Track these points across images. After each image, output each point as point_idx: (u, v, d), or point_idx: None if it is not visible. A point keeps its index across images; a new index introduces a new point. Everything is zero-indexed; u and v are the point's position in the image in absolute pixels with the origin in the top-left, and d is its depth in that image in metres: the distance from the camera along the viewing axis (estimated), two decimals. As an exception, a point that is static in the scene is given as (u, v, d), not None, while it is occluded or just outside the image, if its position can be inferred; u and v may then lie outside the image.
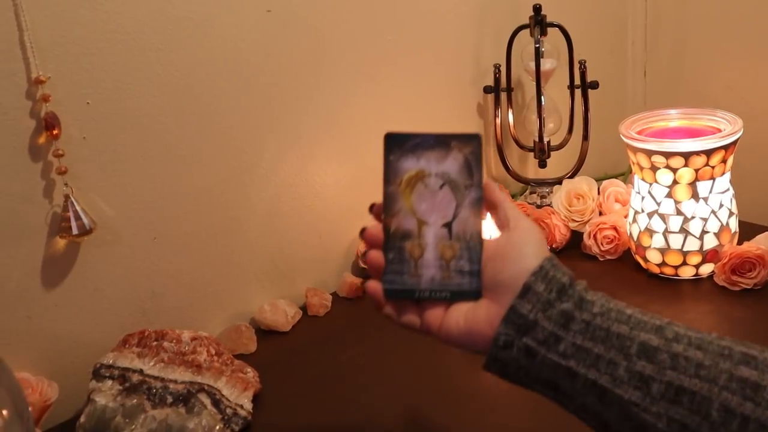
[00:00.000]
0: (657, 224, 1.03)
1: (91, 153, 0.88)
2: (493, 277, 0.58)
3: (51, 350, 0.89)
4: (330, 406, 0.87)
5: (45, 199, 0.86)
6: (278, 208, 1.06)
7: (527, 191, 1.30)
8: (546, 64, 1.19)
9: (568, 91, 1.23)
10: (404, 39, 1.14)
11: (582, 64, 1.21)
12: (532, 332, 0.55)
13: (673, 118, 1.08)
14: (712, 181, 1.00)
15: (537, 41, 1.17)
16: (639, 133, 1.04)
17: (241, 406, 0.84)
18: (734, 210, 1.05)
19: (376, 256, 0.61)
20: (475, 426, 0.80)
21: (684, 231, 1.02)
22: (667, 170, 1.00)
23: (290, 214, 1.08)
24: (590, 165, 1.27)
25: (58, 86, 0.83)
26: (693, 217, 1.01)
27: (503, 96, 1.25)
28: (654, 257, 1.05)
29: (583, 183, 1.19)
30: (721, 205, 1.02)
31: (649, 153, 1.00)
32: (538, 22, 1.17)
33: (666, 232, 1.03)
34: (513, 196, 1.30)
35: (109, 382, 0.82)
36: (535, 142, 1.24)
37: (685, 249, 1.03)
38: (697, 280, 1.05)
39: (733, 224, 1.05)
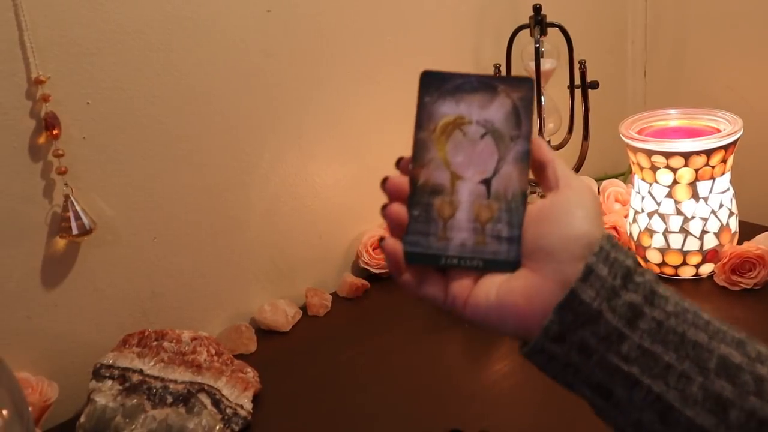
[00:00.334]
0: (657, 224, 1.03)
1: (91, 153, 0.88)
2: (535, 242, 0.49)
3: (51, 350, 0.89)
4: (330, 406, 0.87)
5: (45, 199, 0.86)
6: (278, 208, 1.06)
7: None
8: (546, 64, 1.19)
9: (568, 91, 1.23)
10: (404, 39, 1.14)
11: (582, 64, 1.21)
12: (592, 325, 0.45)
13: (673, 118, 1.08)
14: (712, 181, 1.00)
15: (537, 41, 1.17)
16: (639, 133, 1.04)
17: (241, 406, 0.84)
18: (734, 210, 1.05)
19: (399, 210, 0.51)
20: (476, 426, 0.80)
21: (684, 231, 1.02)
22: (667, 170, 1.00)
23: (290, 214, 1.08)
24: (590, 165, 1.27)
25: (58, 86, 0.83)
26: (693, 217, 1.01)
27: (503, 96, 1.25)
28: (654, 257, 1.05)
29: (583, 183, 1.18)
30: (721, 205, 1.02)
31: (649, 153, 1.00)
32: (538, 22, 1.17)
33: (666, 232, 1.03)
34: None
35: (109, 382, 0.82)
36: (535, 142, 1.23)
37: (685, 249, 1.03)
38: (697, 280, 1.05)
39: (733, 224, 1.05)
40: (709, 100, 1.32)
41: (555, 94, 1.24)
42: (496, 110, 0.52)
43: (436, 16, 1.18)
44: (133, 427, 0.79)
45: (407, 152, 0.54)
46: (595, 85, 1.22)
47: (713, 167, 0.99)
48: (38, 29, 0.81)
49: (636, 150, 1.02)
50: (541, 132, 1.22)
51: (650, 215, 1.04)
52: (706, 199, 1.01)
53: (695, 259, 1.03)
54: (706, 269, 1.04)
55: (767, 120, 1.26)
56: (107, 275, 0.92)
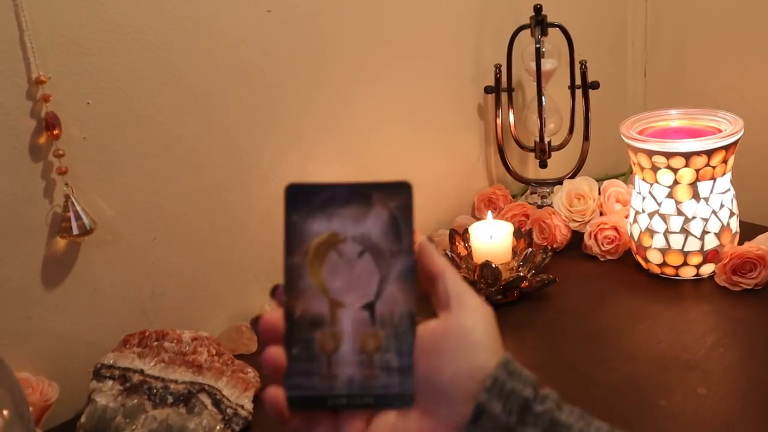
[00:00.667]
0: (658, 224, 1.03)
1: (92, 153, 0.88)
2: (428, 379, 0.44)
3: (51, 350, 0.89)
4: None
5: (45, 199, 0.86)
6: (278, 208, 1.05)
7: (528, 191, 1.30)
8: (546, 65, 1.19)
9: (569, 91, 1.23)
10: (404, 39, 1.14)
11: (582, 64, 1.21)
12: None
13: (674, 118, 1.08)
14: (712, 181, 1.00)
15: (537, 41, 1.17)
16: (640, 133, 1.04)
17: (242, 406, 0.84)
18: (735, 210, 1.05)
19: (275, 354, 0.46)
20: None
21: (685, 231, 1.02)
22: (668, 170, 1.00)
23: (290, 214, 1.07)
24: (591, 165, 1.27)
25: (58, 86, 0.83)
26: (694, 218, 1.01)
27: (504, 96, 1.25)
28: (655, 257, 1.05)
29: (583, 183, 1.18)
30: (722, 206, 1.02)
31: (650, 153, 1.00)
32: (539, 23, 1.17)
33: (667, 233, 1.03)
34: (513, 197, 1.30)
35: (110, 383, 0.82)
36: (535, 142, 1.24)
37: (685, 249, 1.02)
38: (697, 281, 1.05)
39: (734, 224, 1.05)
40: (709, 100, 1.32)
41: (555, 95, 1.24)
42: (373, 223, 0.47)
43: (436, 16, 1.17)
44: (134, 427, 0.79)
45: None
46: (595, 85, 1.22)
47: (714, 167, 0.99)
48: (38, 29, 0.81)
49: (637, 150, 1.02)
50: (541, 132, 1.22)
51: (651, 215, 1.04)
52: (706, 200, 1.01)
53: (696, 259, 1.03)
54: (707, 270, 1.04)
55: (767, 120, 1.26)
56: (107, 275, 0.92)
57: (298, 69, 1.03)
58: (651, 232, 1.04)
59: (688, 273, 1.04)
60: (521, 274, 1.03)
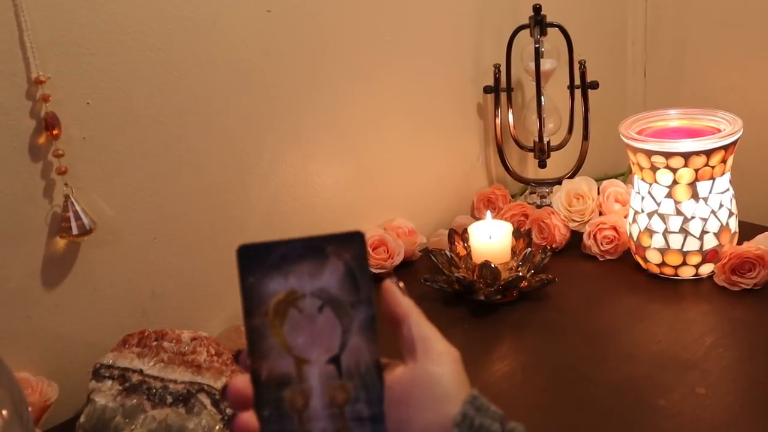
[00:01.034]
0: (657, 224, 1.03)
1: (91, 153, 0.88)
2: (399, 430, 0.45)
3: (51, 350, 0.89)
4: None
5: (45, 199, 0.86)
6: (278, 208, 1.06)
7: (527, 191, 1.30)
8: (546, 64, 1.19)
9: (568, 91, 1.23)
10: (404, 39, 1.14)
11: (582, 64, 1.21)
12: None
13: (673, 118, 1.08)
14: (711, 181, 1.00)
15: (537, 41, 1.17)
16: (639, 133, 1.04)
17: (241, 406, 0.84)
18: (734, 210, 1.05)
19: (247, 420, 0.46)
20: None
21: (684, 231, 1.02)
22: (667, 170, 1.00)
23: (290, 214, 1.08)
24: (590, 165, 1.27)
25: (58, 86, 0.83)
26: (693, 218, 1.01)
27: (503, 96, 1.25)
28: (654, 257, 1.05)
29: (582, 183, 1.19)
30: (721, 206, 1.02)
31: (649, 153, 1.00)
32: (538, 22, 1.17)
33: (666, 232, 1.03)
34: (513, 197, 1.30)
35: (109, 382, 0.82)
36: (535, 142, 1.24)
37: (684, 249, 1.03)
38: (696, 281, 1.05)
39: (733, 224, 1.05)
40: (709, 100, 1.32)
41: (555, 94, 1.24)
42: (330, 276, 0.47)
43: (436, 16, 1.18)
44: (133, 427, 0.79)
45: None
46: (594, 85, 1.22)
47: (713, 167, 0.99)
48: (38, 29, 0.81)
49: (636, 150, 1.02)
50: (540, 132, 1.22)
51: (650, 215, 1.04)
52: (705, 200, 1.01)
53: (695, 259, 1.03)
54: (706, 269, 1.04)
55: (767, 120, 1.26)
56: (107, 275, 0.92)
57: (297, 69, 1.03)
58: (650, 232, 1.04)
59: (687, 273, 1.04)
60: (520, 273, 1.03)
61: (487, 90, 1.25)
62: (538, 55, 1.17)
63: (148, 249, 0.95)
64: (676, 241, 1.03)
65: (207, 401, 0.82)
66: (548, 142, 1.24)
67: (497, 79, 1.23)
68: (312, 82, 1.05)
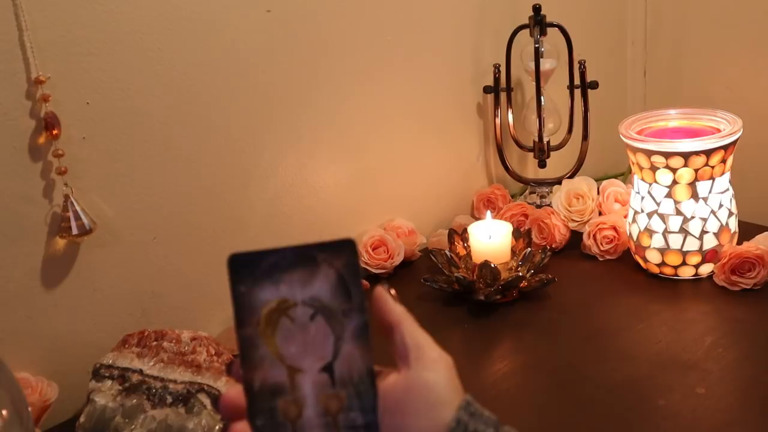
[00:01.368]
0: (656, 224, 1.03)
1: (91, 153, 0.88)
2: None
3: (51, 350, 0.89)
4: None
5: (45, 199, 0.86)
6: (278, 209, 1.06)
7: (527, 191, 1.30)
8: (546, 64, 1.19)
9: (568, 91, 1.23)
10: (404, 39, 1.14)
11: (582, 64, 1.21)
12: None
13: (673, 118, 1.08)
14: (711, 181, 1.00)
15: (537, 41, 1.17)
16: (638, 133, 1.04)
17: (241, 406, 0.84)
18: (734, 210, 1.05)
19: (240, 430, 0.46)
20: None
21: (683, 231, 1.02)
22: (667, 170, 1.00)
23: (290, 214, 1.08)
24: (590, 165, 1.27)
25: (58, 86, 0.83)
26: (692, 217, 1.01)
27: (503, 96, 1.25)
28: (653, 257, 1.05)
29: (582, 183, 1.19)
30: (721, 205, 1.02)
31: (649, 153, 1.00)
32: (538, 22, 1.17)
33: (665, 232, 1.03)
34: (512, 196, 1.30)
35: (109, 382, 0.82)
36: (534, 142, 1.24)
37: (684, 249, 1.03)
38: (696, 280, 1.05)
39: (733, 224, 1.05)
40: (708, 100, 1.32)
41: (555, 94, 1.24)
42: (321, 284, 0.46)
43: (436, 15, 1.18)
44: (133, 427, 0.79)
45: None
46: (594, 85, 1.22)
47: (713, 167, 0.99)
48: (38, 29, 0.81)
49: (635, 150, 1.02)
50: (540, 132, 1.22)
51: (650, 215, 1.04)
52: (705, 199, 1.01)
53: (695, 259, 1.03)
54: (706, 269, 1.04)
55: (767, 120, 1.26)
56: (107, 275, 0.92)
57: (297, 69, 1.03)
58: (650, 231, 1.04)
59: (686, 273, 1.04)
60: (520, 273, 1.04)
61: (486, 90, 1.25)
62: (537, 55, 1.17)
63: (148, 249, 0.95)
64: (675, 241, 1.03)
65: (207, 401, 0.82)
66: (548, 142, 1.24)
67: (497, 79, 1.23)
68: (312, 82, 1.05)
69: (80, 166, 0.87)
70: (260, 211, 1.04)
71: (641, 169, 1.03)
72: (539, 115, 1.21)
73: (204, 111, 0.96)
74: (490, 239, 1.04)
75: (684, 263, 1.04)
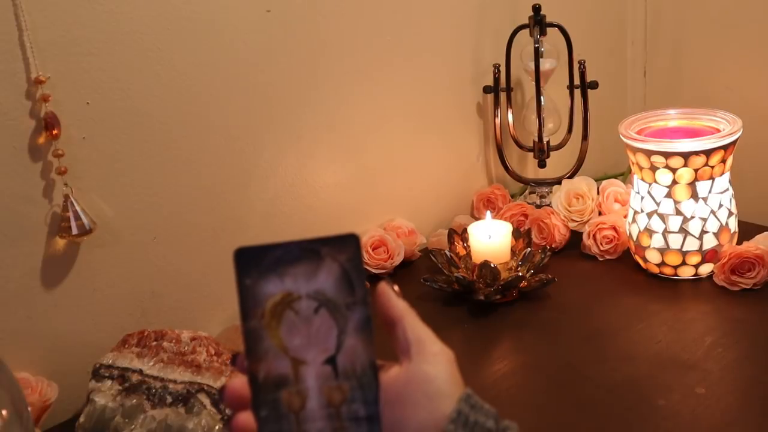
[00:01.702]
0: (656, 224, 1.03)
1: (91, 153, 0.88)
2: (393, 430, 0.46)
3: (51, 350, 0.89)
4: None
5: (45, 199, 0.86)
6: (278, 209, 1.06)
7: (527, 191, 1.30)
8: (545, 64, 1.19)
9: (568, 91, 1.23)
10: (403, 39, 1.14)
11: (581, 64, 1.21)
12: None
13: (673, 118, 1.08)
14: (711, 181, 1.00)
15: (536, 41, 1.17)
16: (638, 133, 1.04)
17: (241, 406, 0.84)
18: (733, 210, 1.05)
19: (244, 421, 0.47)
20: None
21: (683, 231, 1.02)
22: (667, 170, 1.00)
23: (290, 214, 1.08)
24: (590, 165, 1.27)
25: (57, 86, 0.83)
26: (692, 217, 1.01)
27: (503, 96, 1.25)
28: (653, 257, 1.05)
29: (582, 183, 1.19)
30: (721, 205, 1.02)
31: (649, 153, 1.00)
32: (538, 22, 1.17)
33: (665, 232, 1.03)
34: (512, 196, 1.30)
35: (109, 382, 0.82)
36: (534, 142, 1.24)
37: (684, 249, 1.03)
38: (696, 280, 1.05)
39: (733, 224, 1.05)
40: (708, 100, 1.32)
41: (555, 94, 1.24)
42: (325, 278, 0.48)
43: (436, 15, 1.18)
44: (133, 427, 0.79)
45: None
46: (594, 85, 1.22)
47: (712, 167, 0.99)
48: (38, 29, 0.81)
49: (635, 150, 1.02)
50: (540, 132, 1.22)
51: (650, 215, 1.04)
52: (705, 199, 1.01)
53: (694, 259, 1.03)
54: (706, 269, 1.04)
55: (766, 120, 1.26)
56: (107, 275, 0.92)
57: (297, 69, 1.03)
58: (650, 231, 1.04)
59: (686, 273, 1.04)
60: (520, 273, 1.04)
61: (486, 90, 1.25)
62: (537, 55, 1.17)
63: (148, 249, 0.95)
64: (675, 240, 1.03)
65: (207, 401, 0.82)
66: (548, 142, 1.24)
67: (497, 79, 1.23)
68: (312, 82, 1.05)
69: (80, 166, 0.87)
70: (260, 211, 1.04)
71: (641, 169, 1.03)
72: (539, 115, 1.21)
73: (204, 111, 0.96)
74: (490, 239, 1.05)
75: (684, 263, 1.04)
